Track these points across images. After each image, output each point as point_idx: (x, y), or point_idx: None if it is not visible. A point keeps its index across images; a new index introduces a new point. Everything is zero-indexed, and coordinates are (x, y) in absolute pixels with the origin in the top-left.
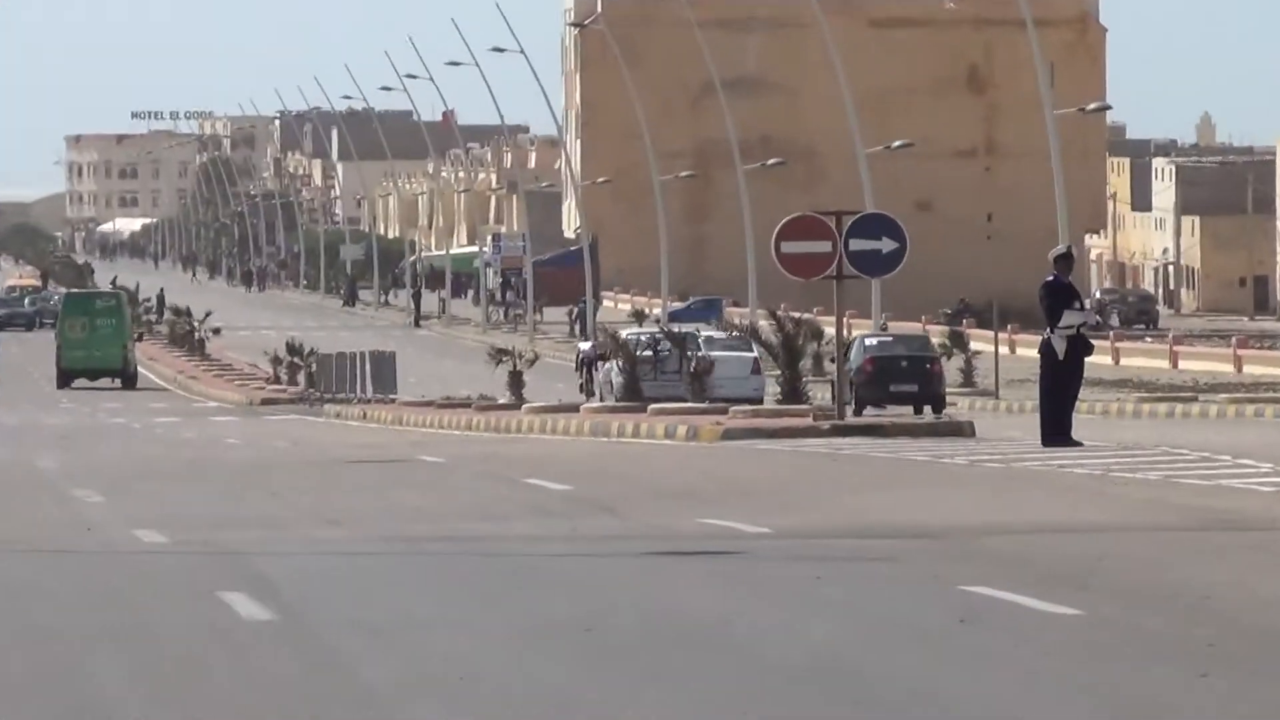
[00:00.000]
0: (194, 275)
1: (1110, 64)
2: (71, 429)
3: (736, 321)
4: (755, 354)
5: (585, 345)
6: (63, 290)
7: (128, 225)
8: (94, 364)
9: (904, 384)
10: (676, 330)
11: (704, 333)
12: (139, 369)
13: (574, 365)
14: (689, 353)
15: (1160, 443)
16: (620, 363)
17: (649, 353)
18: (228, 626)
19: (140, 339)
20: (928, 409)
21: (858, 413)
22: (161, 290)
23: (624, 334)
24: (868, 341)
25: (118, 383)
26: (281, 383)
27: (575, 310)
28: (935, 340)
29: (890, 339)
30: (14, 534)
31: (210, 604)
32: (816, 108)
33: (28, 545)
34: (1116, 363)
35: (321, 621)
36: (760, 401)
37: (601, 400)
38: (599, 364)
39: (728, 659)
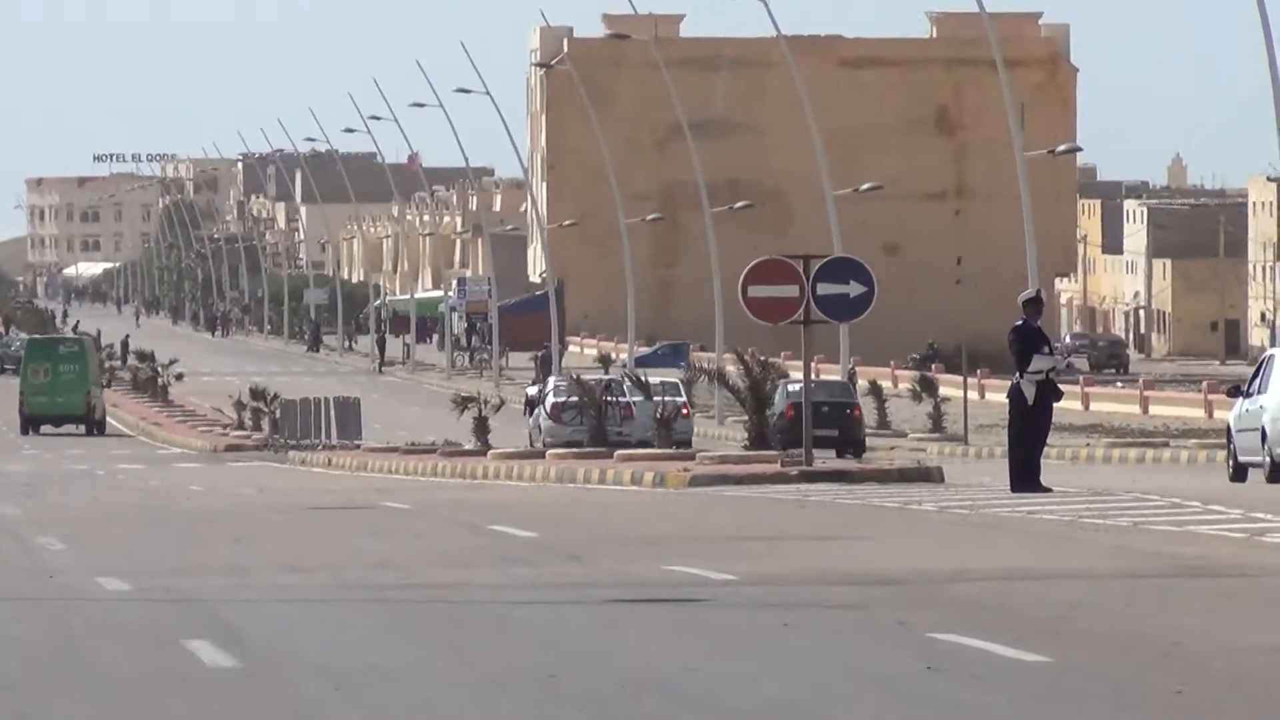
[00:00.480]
0: (137, 320)
1: (1081, 105)
2: (33, 476)
3: (702, 365)
4: (682, 399)
5: (533, 389)
6: (24, 336)
7: (90, 269)
8: (57, 410)
9: (825, 429)
10: (595, 379)
11: (639, 379)
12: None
13: (522, 408)
14: (606, 398)
15: (1130, 488)
16: (564, 408)
17: (573, 398)
18: (192, 674)
19: (107, 385)
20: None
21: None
22: (126, 336)
23: (548, 383)
24: (790, 388)
25: (82, 429)
26: (246, 429)
27: (539, 355)
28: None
29: (812, 385)
30: None
31: (174, 651)
32: (784, 149)
33: None
34: (1086, 408)
35: (287, 669)
36: (688, 441)
37: (531, 443)
38: (529, 409)
39: (692, 709)
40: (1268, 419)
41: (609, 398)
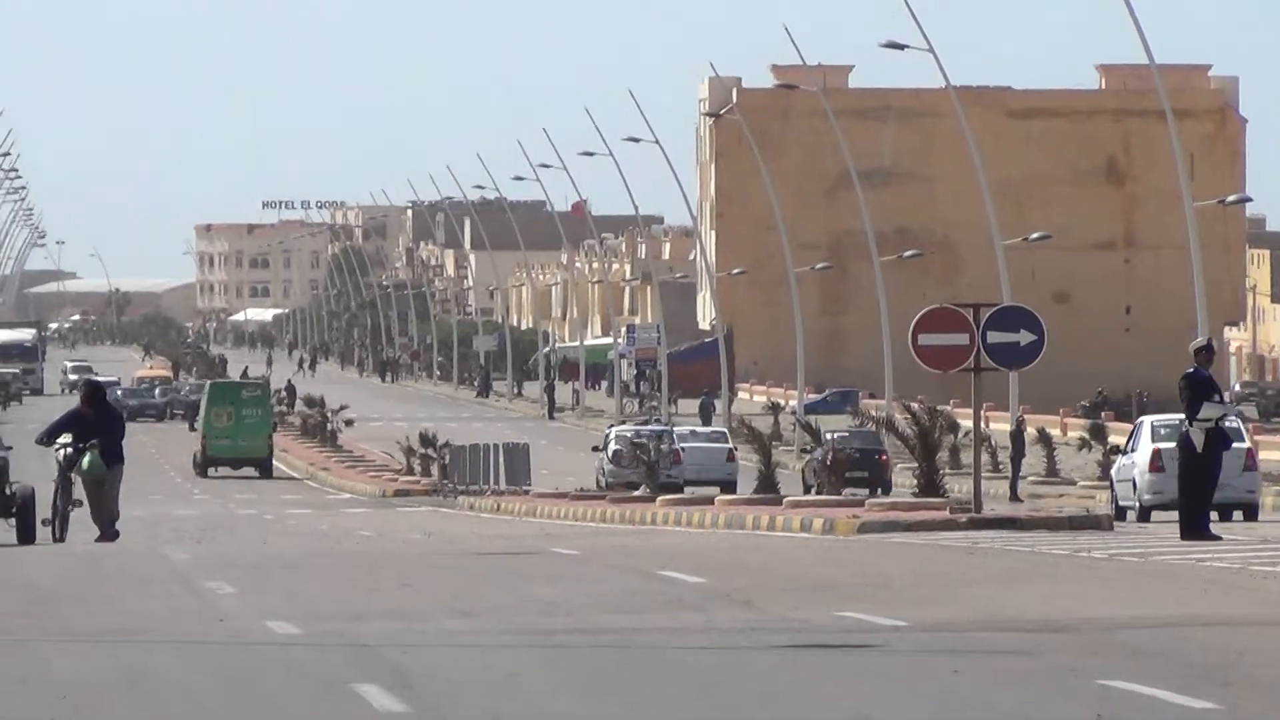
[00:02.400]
0: (307, 366)
1: (1250, 155)
2: (204, 520)
3: (871, 414)
4: (730, 445)
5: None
6: (193, 382)
7: (259, 315)
8: (239, 453)
9: (857, 471)
10: (654, 429)
11: (685, 429)
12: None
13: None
14: (656, 445)
15: None
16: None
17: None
18: (362, 718)
19: (274, 429)
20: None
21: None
22: (289, 381)
23: (614, 430)
24: (830, 435)
25: (256, 472)
26: (415, 474)
27: (701, 400)
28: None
29: (847, 434)
30: (146, 625)
31: (344, 696)
32: (953, 198)
33: (159, 636)
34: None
35: (456, 715)
36: (733, 484)
37: (596, 482)
38: (597, 453)
39: None
40: (1136, 473)
41: (660, 445)
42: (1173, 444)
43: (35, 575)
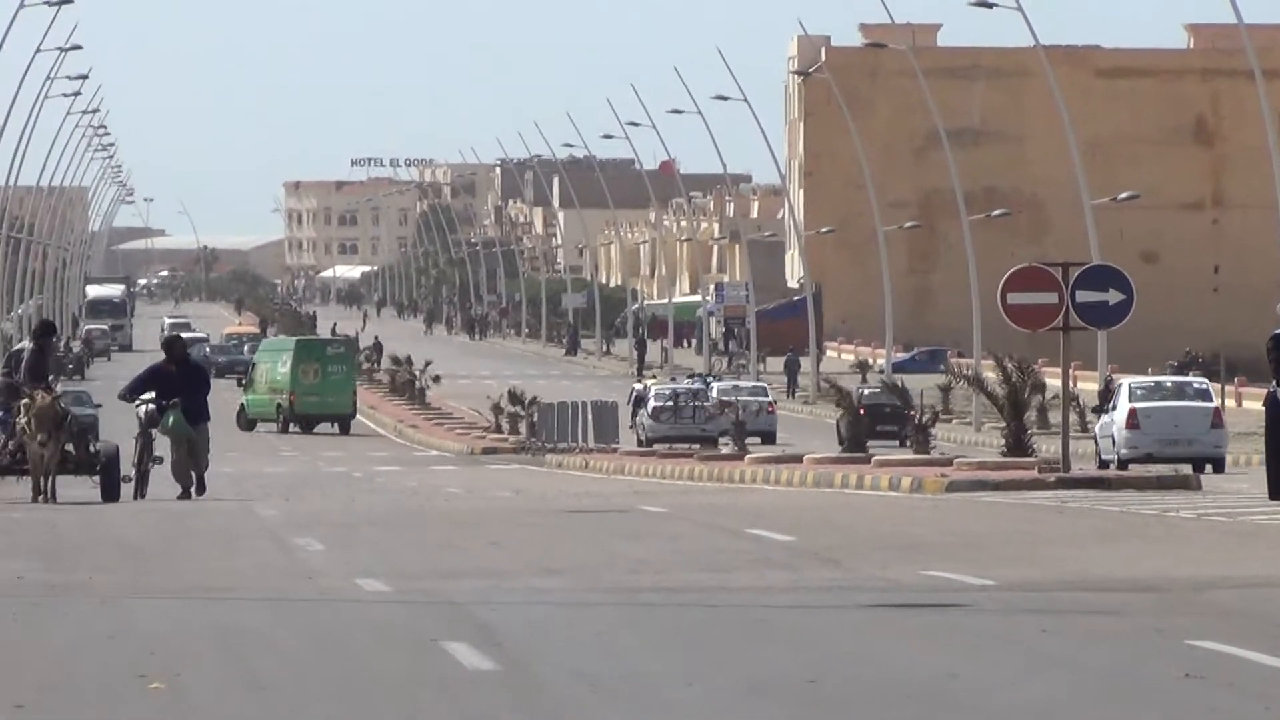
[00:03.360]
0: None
1: None
2: (292, 478)
3: (960, 371)
4: (769, 399)
5: (638, 385)
6: (283, 337)
7: (346, 273)
8: (326, 410)
9: (887, 425)
10: (689, 386)
11: (727, 383)
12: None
13: (628, 404)
14: (698, 402)
15: None
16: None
17: (669, 402)
18: (451, 676)
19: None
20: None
21: (852, 448)
22: (376, 338)
23: (653, 388)
24: (863, 391)
25: (336, 428)
26: (503, 432)
27: (785, 358)
28: None
29: (878, 390)
30: (236, 582)
31: (433, 653)
32: (1041, 158)
33: (248, 593)
34: None
35: (544, 673)
36: (772, 435)
37: (638, 439)
38: (636, 406)
39: (951, 713)
40: (1115, 430)
41: (695, 403)
42: (1149, 403)
43: (122, 532)
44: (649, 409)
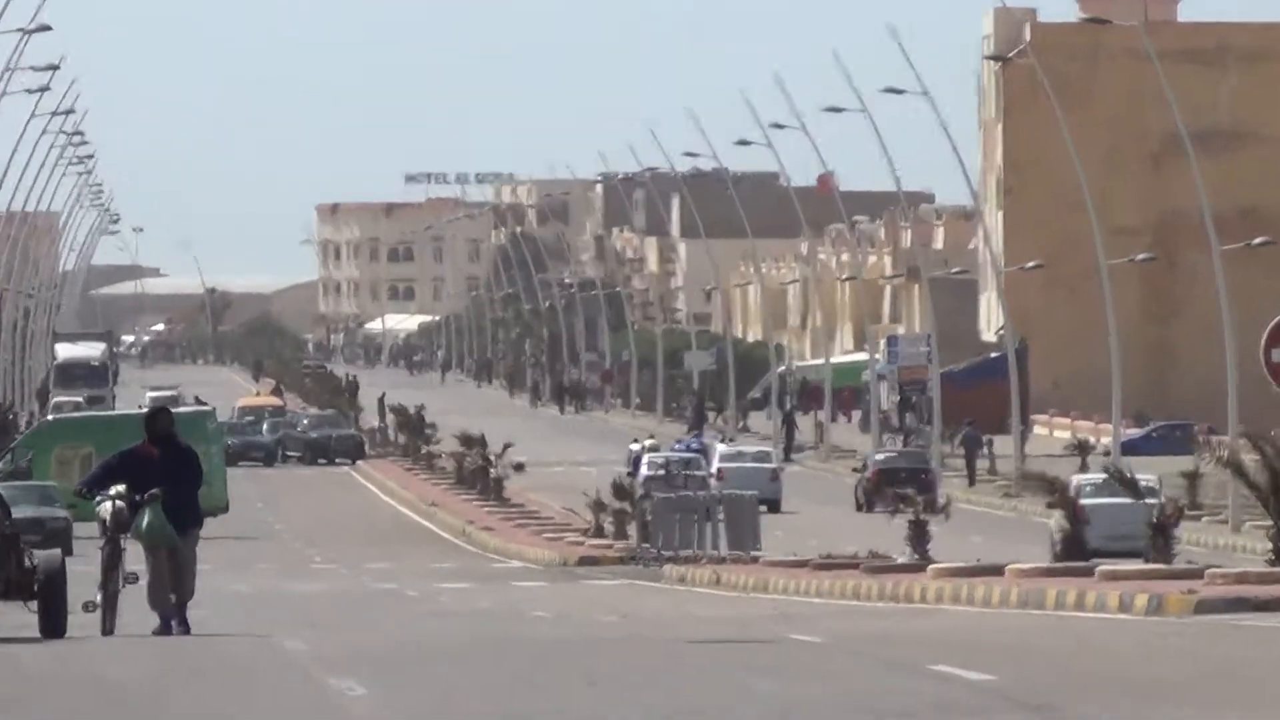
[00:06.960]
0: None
1: None
2: (327, 598)
3: (1217, 452)
4: (775, 465)
5: (635, 445)
6: (314, 412)
7: (400, 323)
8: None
9: (903, 490)
10: (681, 454)
11: (732, 448)
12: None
13: (626, 463)
14: (690, 470)
15: None
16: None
17: (661, 470)
18: None
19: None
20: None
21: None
22: (383, 394)
23: (646, 455)
24: (876, 457)
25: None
26: (606, 536)
27: (960, 435)
28: None
29: (895, 454)
30: None
31: None
32: None
33: None
34: None
35: None
36: (776, 503)
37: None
38: (636, 468)
39: None
40: None
41: (687, 471)
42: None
43: (104, 669)
44: (640, 478)
